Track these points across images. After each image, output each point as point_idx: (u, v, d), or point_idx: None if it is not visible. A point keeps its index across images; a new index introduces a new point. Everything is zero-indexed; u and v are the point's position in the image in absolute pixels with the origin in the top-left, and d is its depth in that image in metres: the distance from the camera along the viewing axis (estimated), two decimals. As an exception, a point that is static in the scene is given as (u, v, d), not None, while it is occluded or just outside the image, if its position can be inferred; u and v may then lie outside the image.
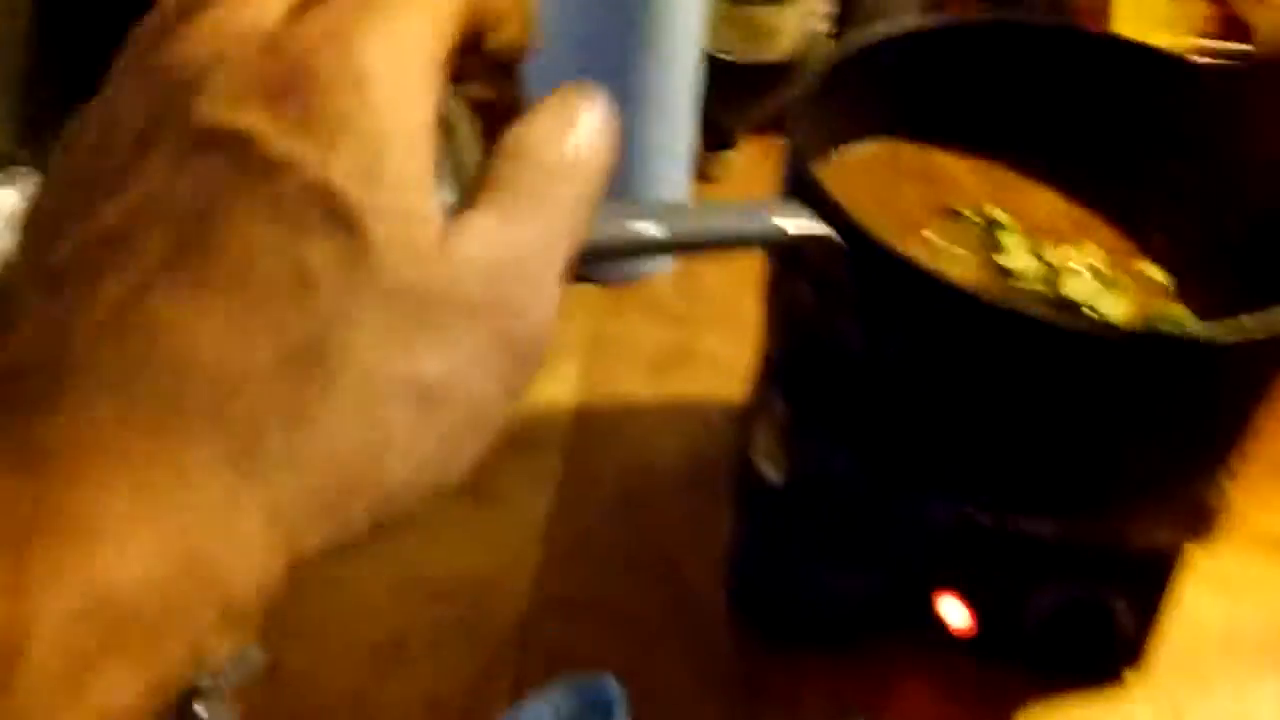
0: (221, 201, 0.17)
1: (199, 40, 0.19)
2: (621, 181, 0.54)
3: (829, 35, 0.67)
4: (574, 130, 0.22)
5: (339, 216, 0.17)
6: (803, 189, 0.32)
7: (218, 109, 0.18)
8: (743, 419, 0.40)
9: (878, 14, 0.66)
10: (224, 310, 0.17)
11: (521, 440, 0.50)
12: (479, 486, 0.48)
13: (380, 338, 0.18)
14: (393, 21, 0.18)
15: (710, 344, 0.54)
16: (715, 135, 0.66)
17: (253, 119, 0.18)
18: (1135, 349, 0.29)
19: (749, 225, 0.29)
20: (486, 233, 0.19)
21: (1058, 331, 0.30)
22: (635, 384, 0.53)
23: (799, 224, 0.30)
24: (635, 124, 0.52)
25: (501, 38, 0.23)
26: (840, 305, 0.32)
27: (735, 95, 0.63)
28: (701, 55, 0.60)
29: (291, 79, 0.18)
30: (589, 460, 0.49)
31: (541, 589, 0.44)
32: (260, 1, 0.19)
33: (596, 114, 0.23)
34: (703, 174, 0.66)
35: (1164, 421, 0.31)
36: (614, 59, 0.50)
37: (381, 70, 0.18)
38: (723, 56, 0.61)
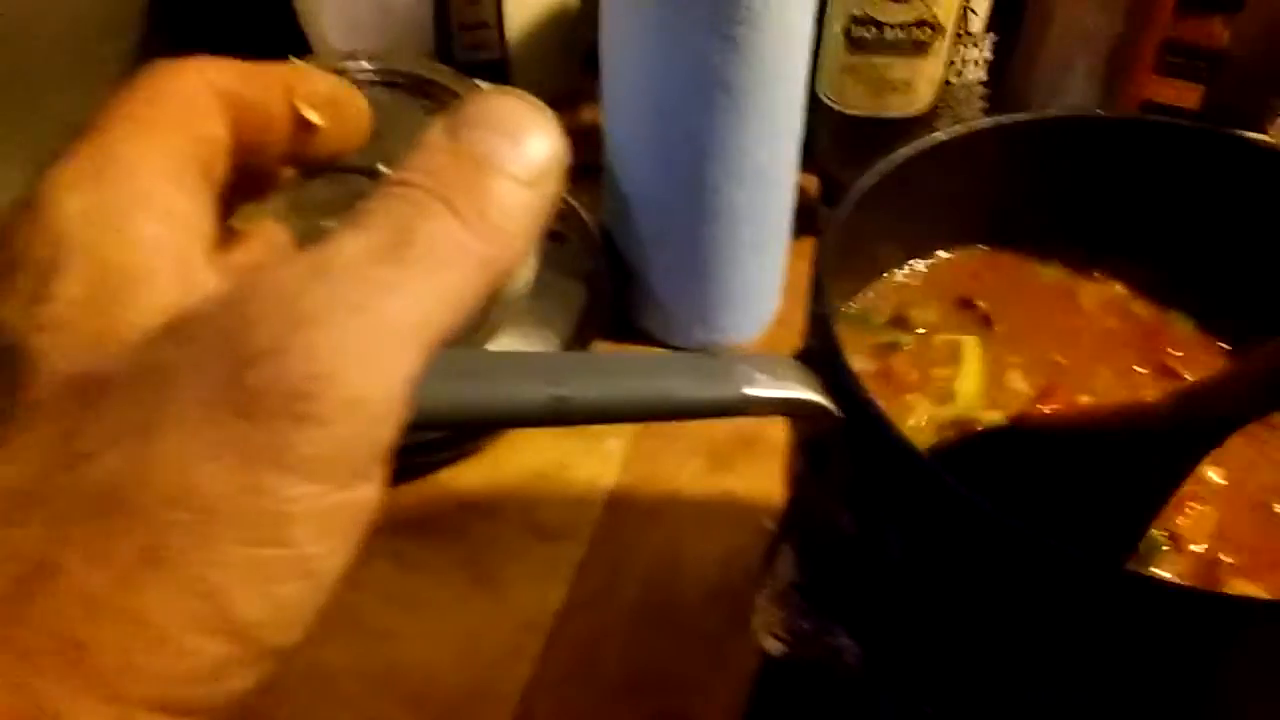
0: None
1: None
2: (711, 248, 0.49)
3: (983, 84, 0.59)
4: (517, 154, 0.18)
5: (2, 344, 0.16)
6: (817, 337, 0.26)
7: None
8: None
9: (1039, 63, 0.57)
10: None
11: (546, 523, 0.46)
12: (484, 568, 0.44)
13: (50, 446, 0.15)
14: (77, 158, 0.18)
15: (777, 435, 0.48)
16: (836, 190, 0.60)
17: None
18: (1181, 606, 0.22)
19: (701, 391, 0.23)
20: (278, 285, 0.16)
21: (1093, 572, 0.23)
22: (686, 472, 0.48)
23: (776, 388, 0.24)
24: (723, 184, 0.46)
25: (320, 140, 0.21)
26: (830, 480, 0.26)
27: (859, 150, 0.57)
28: (819, 106, 0.54)
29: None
30: (613, 555, 0.45)
31: (530, 706, 0.40)
32: None
33: (548, 141, 0.19)
34: (819, 230, 0.60)
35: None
36: (700, 119, 0.45)
37: (58, 201, 0.17)
38: (843, 110, 0.54)
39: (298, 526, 0.15)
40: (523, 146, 0.18)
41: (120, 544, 0.15)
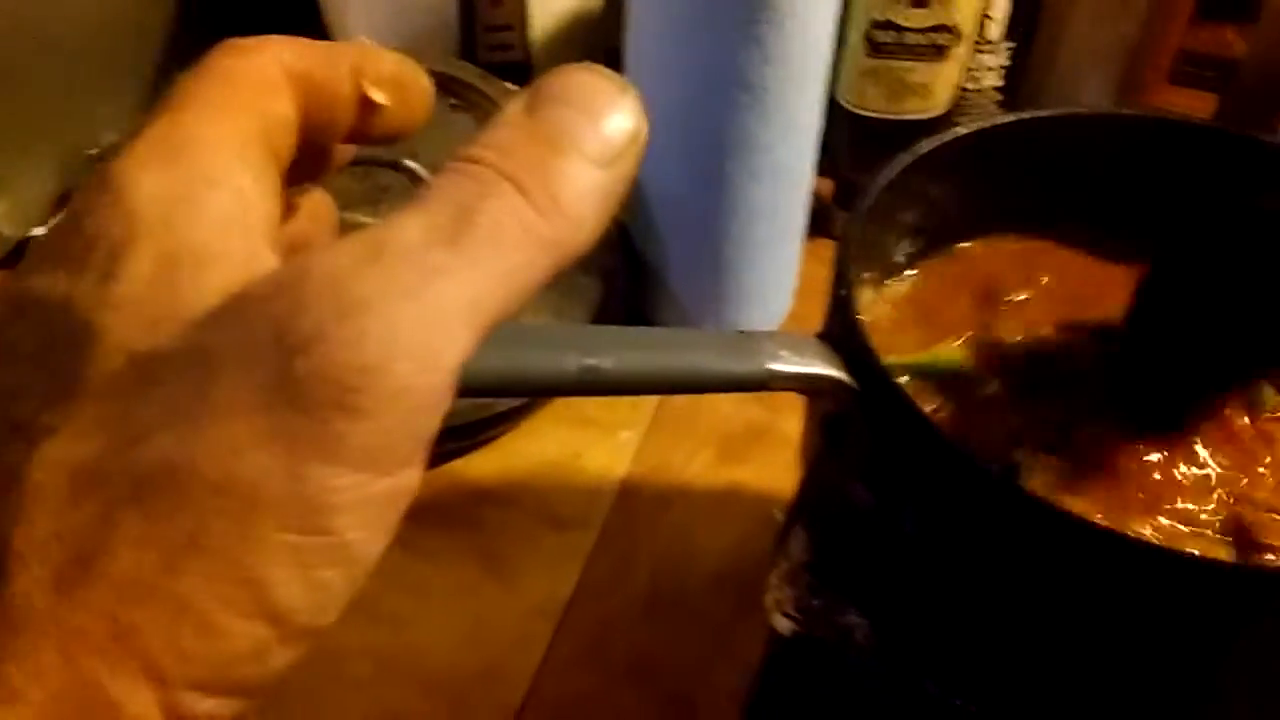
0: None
1: None
2: (728, 245, 0.50)
3: (999, 90, 0.60)
4: (595, 133, 0.18)
5: (74, 321, 0.16)
6: (839, 317, 0.27)
7: None
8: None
9: (1054, 71, 0.58)
10: None
11: (558, 512, 0.46)
12: (496, 556, 0.45)
13: (92, 430, 0.16)
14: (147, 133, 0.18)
15: (791, 427, 0.49)
16: (850, 192, 0.61)
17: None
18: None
19: (727, 365, 0.24)
20: (331, 268, 0.16)
21: (1115, 543, 0.23)
22: (698, 462, 0.49)
23: (798, 363, 0.25)
24: (742, 182, 0.47)
25: (380, 119, 0.21)
26: (847, 457, 0.27)
27: (875, 152, 0.57)
28: (837, 109, 0.55)
29: (67, 235, 0.17)
30: (625, 544, 0.45)
31: (539, 690, 0.40)
32: None
33: (629, 120, 0.18)
34: (833, 233, 0.60)
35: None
36: (722, 116, 0.45)
37: (133, 180, 0.17)
38: (861, 112, 0.55)
39: (341, 515, 0.16)
40: (601, 125, 0.18)
41: (166, 529, 0.15)
